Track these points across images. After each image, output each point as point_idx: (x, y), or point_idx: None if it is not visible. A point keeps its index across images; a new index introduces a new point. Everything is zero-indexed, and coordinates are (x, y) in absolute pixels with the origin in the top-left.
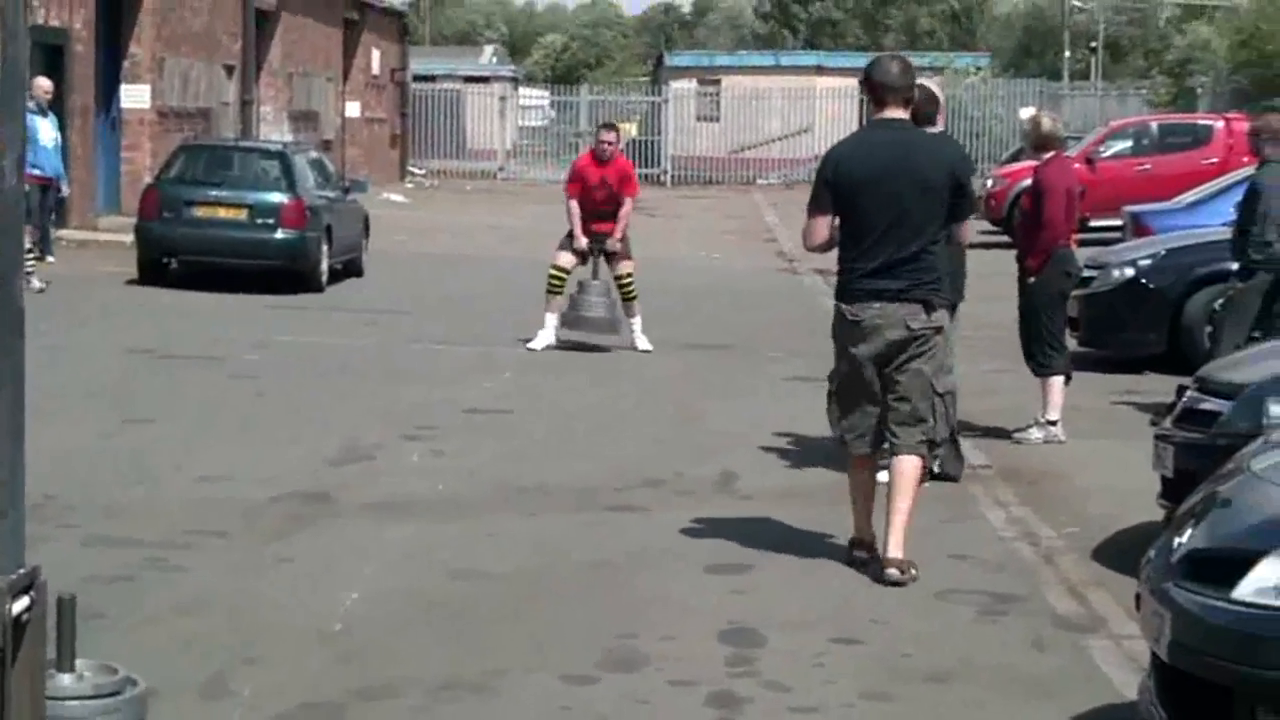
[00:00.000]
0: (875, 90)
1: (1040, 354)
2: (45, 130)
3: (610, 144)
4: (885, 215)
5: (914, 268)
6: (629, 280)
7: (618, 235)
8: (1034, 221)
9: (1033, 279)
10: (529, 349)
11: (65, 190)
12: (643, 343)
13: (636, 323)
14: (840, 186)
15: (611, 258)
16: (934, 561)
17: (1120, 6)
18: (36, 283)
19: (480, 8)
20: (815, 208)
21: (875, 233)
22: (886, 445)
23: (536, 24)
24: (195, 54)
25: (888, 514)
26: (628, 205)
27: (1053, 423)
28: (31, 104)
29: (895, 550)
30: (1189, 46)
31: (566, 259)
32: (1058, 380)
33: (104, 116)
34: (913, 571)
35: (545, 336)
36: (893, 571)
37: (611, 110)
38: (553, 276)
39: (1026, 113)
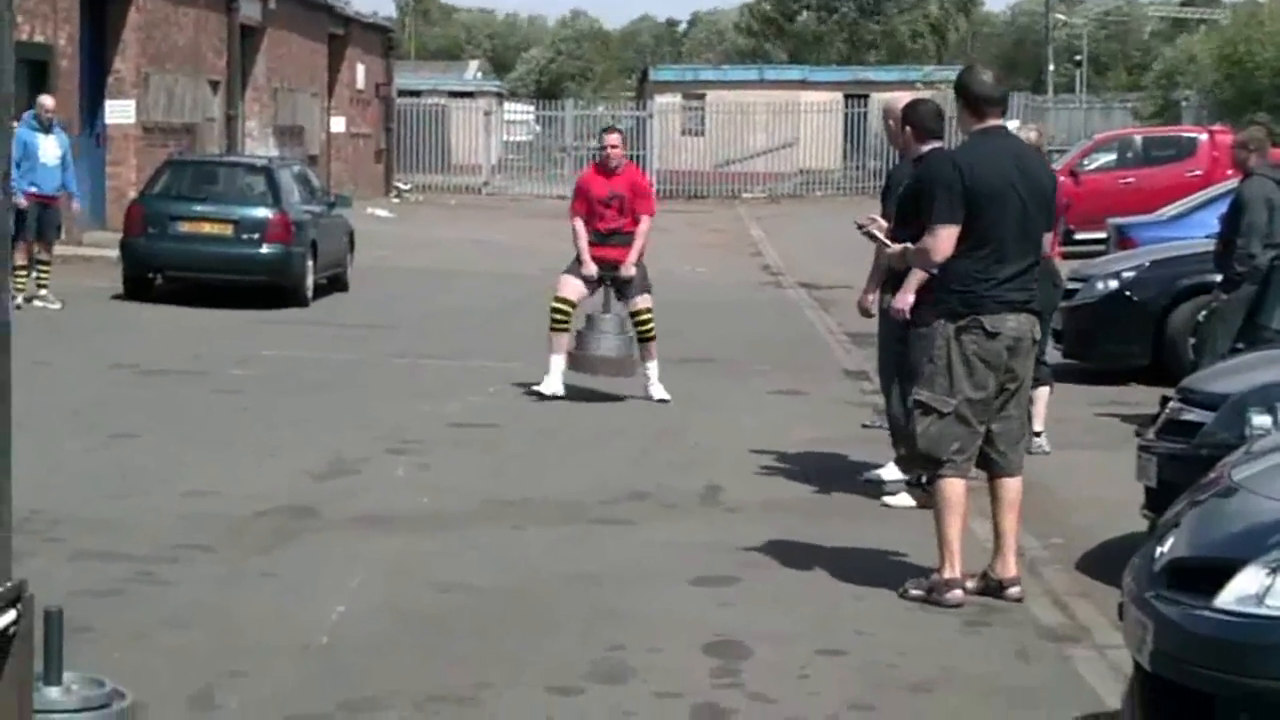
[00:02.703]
0: (974, 101)
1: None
2: (48, 147)
3: (615, 148)
4: (1013, 225)
5: (1032, 278)
6: (648, 318)
7: (632, 262)
8: None
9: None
10: (536, 393)
11: (76, 206)
12: (658, 391)
13: (653, 368)
14: (974, 194)
15: (625, 289)
16: (919, 572)
17: (1104, 20)
18: (55, 300)
19: (465, 22)
20: (947, 217)
21: (1005, 242)
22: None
23: (520, 38)
24: (180, 69)
25: (1004, 533)
26: (645, 225)
27: (1037, 434)
28: (33, 121)
29: (1016, 569)
30: (1174, 59)
31: (572, 289)
32: (1043, 391)
33: (89, 132)
34: None
35: (553, 381)
36: (1020, 589)
37: (597, 125)
38: (556, 310)
39: (1013, 125)
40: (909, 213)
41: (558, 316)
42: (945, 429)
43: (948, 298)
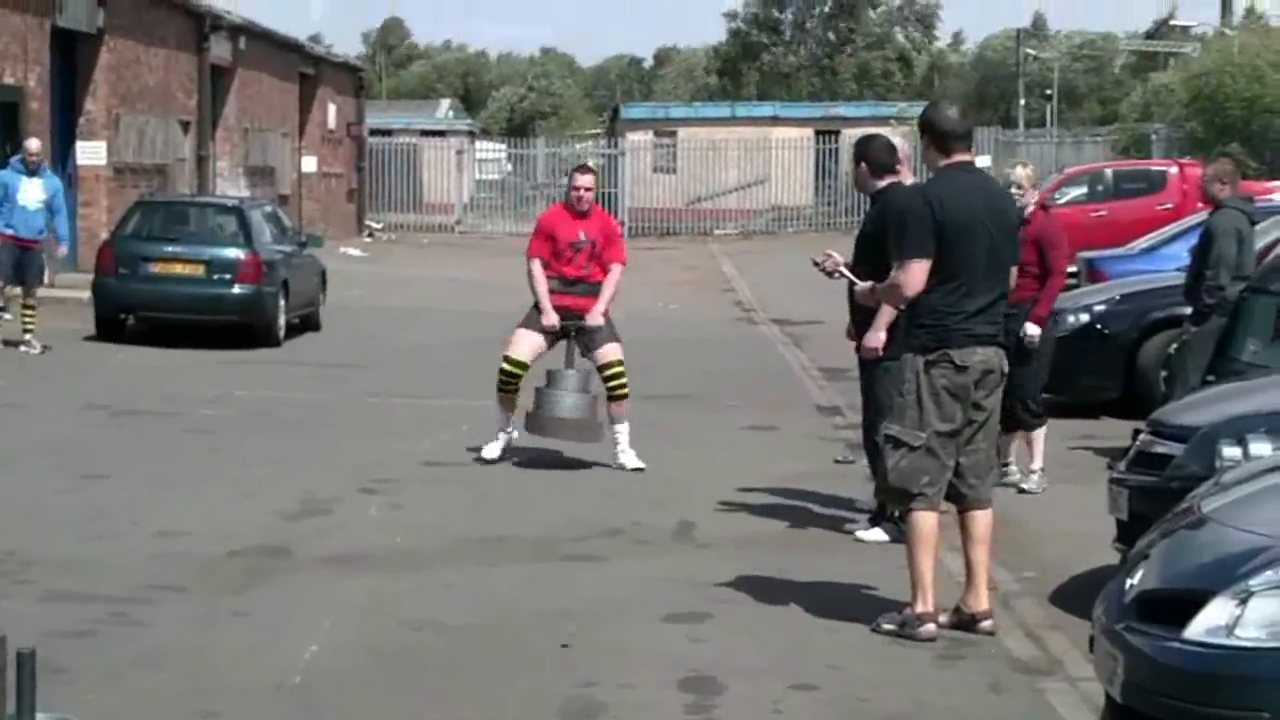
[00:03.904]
0: (940, 138)
1: (1037, 404)
2: (30, 191)
3: (588, 190)
4: (983, 258)
5: (1000, 311)
6: (618, 370)
7: (599, 310)
8: (1038, 271)
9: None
10: (481, 459)
11: (63, 250)
12: (630, 459)
13: (623, 432)
14: (945, 228)
15: (590, 341)
16: (891, 606)
17: (1077, 54)
18: (36, 345)
19: (436, 62)
20: (918, 251)
21: (975, 276)
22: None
23: (491, 76)
24: (151, 110)
25: (975, 566)
26: (616, 273)
27: (1033, 471)
28: (19, 164)
29: (988, 602)
30: (1146, 93)
31: (526, 347)
32: (1040, 432)
33: (60, 173)
34: None
35: (499, 443)
36: (992, 622)
37: (568, 163)
38: (505, 372)
39: (982, 162)
40: (871, 249)
41: (505, 380)
42: (916, 462)
43: (917, 332)
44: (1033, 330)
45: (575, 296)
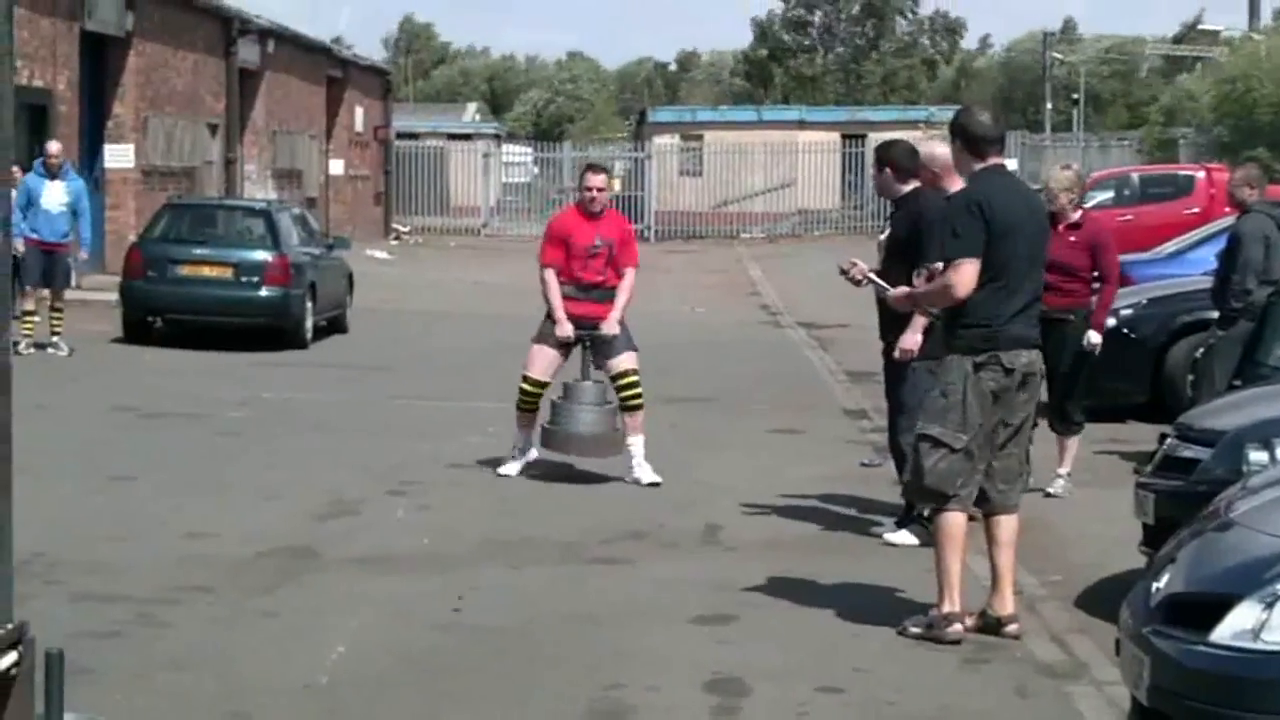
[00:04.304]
0: (973, 142)
1: (1077, 411)
2: (53, 194)
3: (601, 190)
4: (1026, 260)
5: (1036, 311)
6: (633, 380)
7: (615, 319)
8: (1089, 275)
9: (1064, 332)
10: (501, 474)
11: (84, 254)
12: (645, 473)
13: (638, 445)
14: (993, 228)
15: (606, 350)
16: (918, 610)
17: (1105, 57)
18: (64, 346)
19: (463, 65)
20: (969, 250)
21: (1018, 276)
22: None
23: (518, 80)
24: (179, 113)
25: (1001, 570)
26: (630, 278)
27: (1060, 475)
28: (40, 168)
29: (1013, 606)
30: (1174, 96)
31: (544, 365)
32: (1078, 437)
33: (88, 176)
34: None
35: (519, 461)
36: (1018, 626)
37: (610, 172)
38: (525, 392)
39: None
40: (900, 253)
41: (526, 398)
42: (955, 465)
43: (965, 333)
44: (1095, 338)
45: (591, 303)
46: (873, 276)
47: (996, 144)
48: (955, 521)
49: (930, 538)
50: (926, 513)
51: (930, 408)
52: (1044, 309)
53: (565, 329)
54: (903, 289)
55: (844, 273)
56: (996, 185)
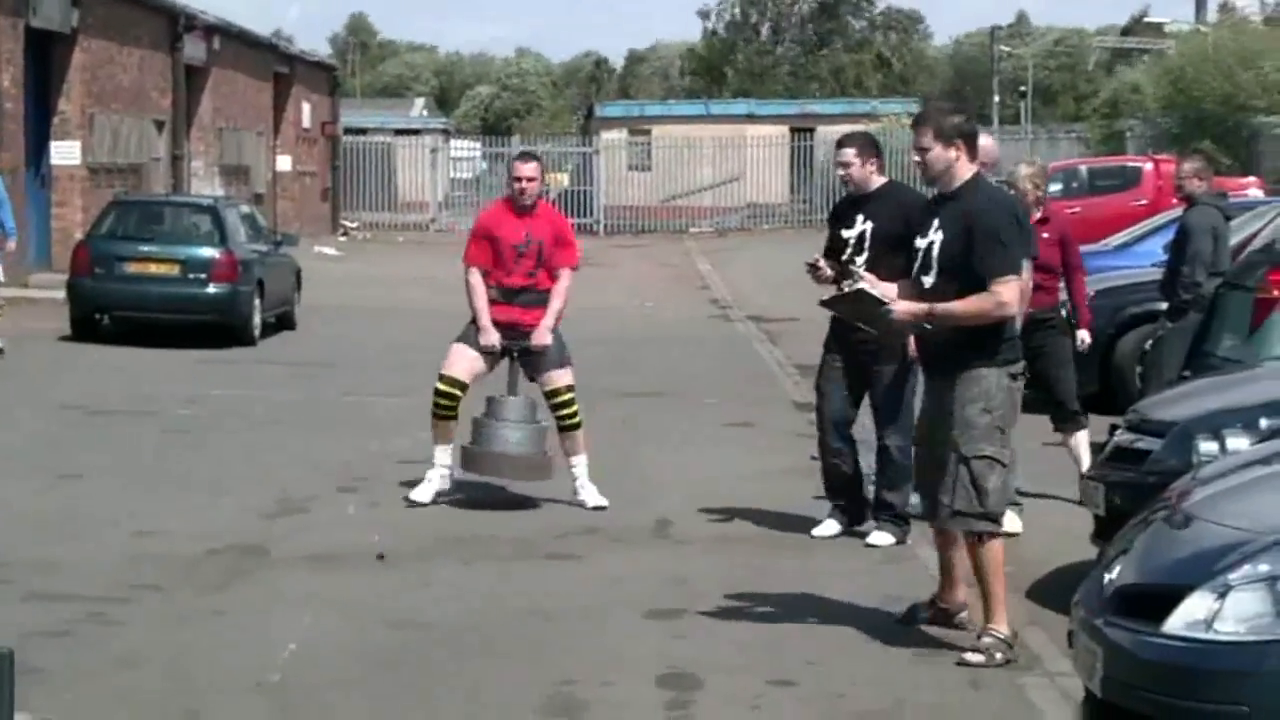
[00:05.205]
0: (973, 145)
1: (1076, 405)
2: None
3: (532, 180)
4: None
5: None
6: (569, 398)
7: (548, 328)
8: (1060, 270)
9: (1052, 330)
10: (411, 501)
11: (11, 244)
12: (591, 496)
13: (580, 464)
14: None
15: (536, 363)
16: (870, 603)
17: (1051, 51)
18: None
19: (409, 60)
20: (1017, 265)
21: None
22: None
23: (465, 75)
24: (125, 109)
25: (954, 564)
26: (566, 280)
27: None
28: None
29: (964, 597)
30: (1118, 89)
31: (464, 365)
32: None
33: (34, 173)
34: None
35: (433, 483)
36: (967, 615)
37: (544, 161)
38: (441, 394)
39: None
40: (888, 250)
41: (443, 403)
42: (1007, 481)
43: (1000, 346)
44: (1088, 337)
45: (520, 309)
46: (871, 285)
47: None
48: (1001, 545)
49: (904, 535)
50: (982, 535)
51: (978, 424)
52: (1029, 311)
53: (490, 337)
54: (920, 305)
55: (839, 280)
56: (998, 192)
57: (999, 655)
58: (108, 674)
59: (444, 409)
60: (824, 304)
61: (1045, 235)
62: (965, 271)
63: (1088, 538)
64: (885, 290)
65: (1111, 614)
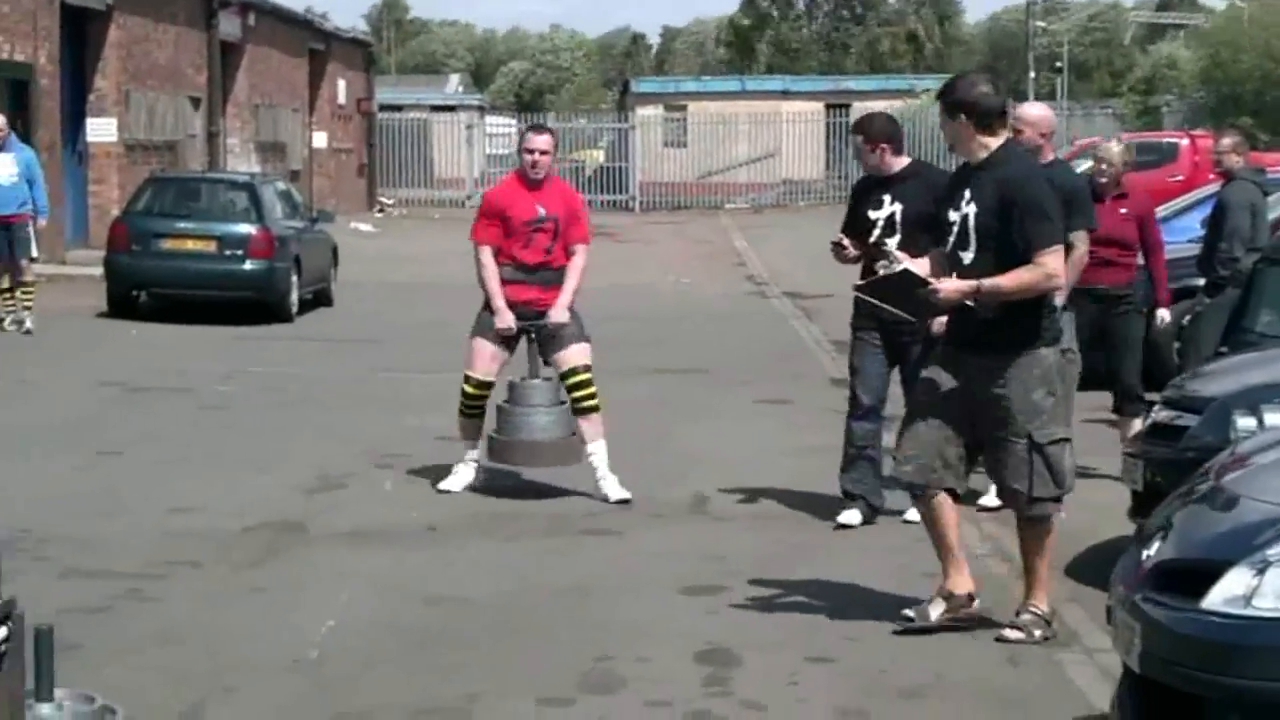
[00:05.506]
0: (984, 116)
1: (1141, 390)
2: (3, 166)
3: (544, 153)
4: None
5: None
6: (586, 378)
7: (564, 305)
8: (1150, 248)
9: (1126, 308)
10: (442, 492)
11: (43, 222)
12: (614, 489)
13: (599, 453)
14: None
15: (553, 342)
16: (908, 579)
17: (1086, 27)
18: (28, 322)
19: (444, 36)
20: (1062, 238)
21: None
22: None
23: (499, 51)
24: (161, 87)
25: (958, 548)
26: (581, 258)
27: None
28: None
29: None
30: (1154, 64)
31: (487, 362)
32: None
33: (70, 150)
34: None
35: (462, 475)
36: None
37: (579, 137)
38: (467, 394)
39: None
40: (919, 231)
41: (470, 404)
42: (1071, 457)
43: (1048, 324)
44: (1167, 315)
45: (536, 288)
46: (911, 264)
47: (1004, 117)
48: (1057, 524)
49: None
50: (1038, 513)
51: (1045, 408)
52: (1102, 287)
53: (505, 319)
54: (968, 283)
55: (872, 259)
56: (1031, 161)
57: (1038, 632)
58: (146, 650)
59: (471, 409)
60: (861, 289)
61: (1123, 211)
62: (1004, 244)
63: (1125, 513)
64: (924, 269)
65: (1150, 590)
